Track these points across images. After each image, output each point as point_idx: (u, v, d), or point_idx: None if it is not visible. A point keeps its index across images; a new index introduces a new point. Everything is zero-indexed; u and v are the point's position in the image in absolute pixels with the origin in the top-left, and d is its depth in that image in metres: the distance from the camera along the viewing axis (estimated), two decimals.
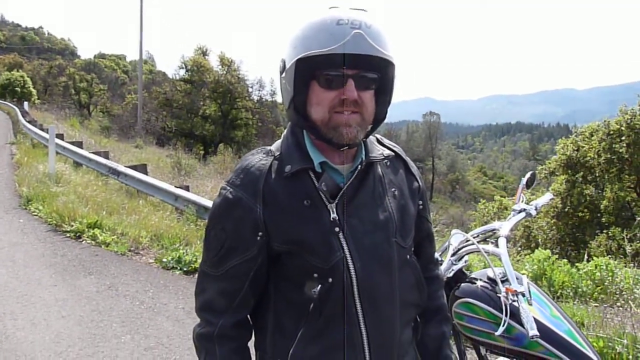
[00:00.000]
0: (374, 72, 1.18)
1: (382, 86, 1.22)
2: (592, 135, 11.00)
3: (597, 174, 10.56)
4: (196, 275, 1.38)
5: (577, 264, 5.44)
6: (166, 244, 6.45)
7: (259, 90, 35.74)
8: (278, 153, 1.29)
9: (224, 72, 34.25)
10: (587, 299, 5.03)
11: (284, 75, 1.23)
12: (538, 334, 1.86)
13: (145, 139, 26.28)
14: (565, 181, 10.40)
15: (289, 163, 1.24)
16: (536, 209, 2.53)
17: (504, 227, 2.39)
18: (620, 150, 9.83)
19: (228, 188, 1.26)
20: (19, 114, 23.92)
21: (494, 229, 2.49)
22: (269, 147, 1.33)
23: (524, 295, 2.01)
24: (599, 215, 12.30)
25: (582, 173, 10.47)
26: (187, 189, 8.89)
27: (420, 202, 1.39)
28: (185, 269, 5.68)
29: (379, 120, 1.26)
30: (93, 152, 11.82)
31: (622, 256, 8.37)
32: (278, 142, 1.34)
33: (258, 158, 1.28)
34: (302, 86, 1.20)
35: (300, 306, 1.22)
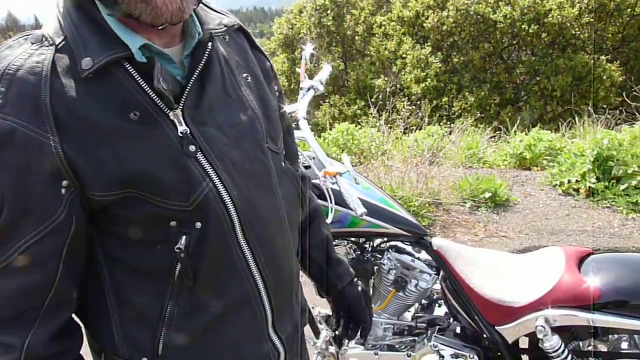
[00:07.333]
0: None
1: None
2: (301, 12, 11.66)
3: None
4: None
5: (328, 132, 5.81)
6: None
7: None
8: (61, 39, 0.74)
9: None
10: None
11: None
12: (366, 211, 1.77)
13: None
14: (287, 59, 10.99)
15: (86, 55, 0.72)
16: (322, 83, 2.39)
17: (300, 108, 2.19)
18: (328, 24, 10.69)
19: None
20: None
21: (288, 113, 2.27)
22: (39, 32, 0.75)
23: (341, 174, 1.90)
24: None
25: (299, 50, 11.12)
26: None
27: (276, 88, 1.02)
28: None
29: None
30: None
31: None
32: (54, 21, 0.77)
33: (26, 53, 0.72)
34: None
35: (156, 277, 0.80)
